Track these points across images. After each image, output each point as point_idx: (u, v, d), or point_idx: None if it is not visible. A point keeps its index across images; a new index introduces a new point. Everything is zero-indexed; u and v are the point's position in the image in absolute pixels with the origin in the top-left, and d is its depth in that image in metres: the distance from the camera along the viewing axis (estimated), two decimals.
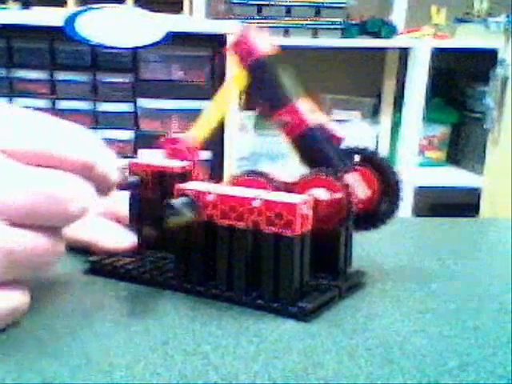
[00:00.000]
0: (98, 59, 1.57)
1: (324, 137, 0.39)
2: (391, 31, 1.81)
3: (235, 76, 0.40)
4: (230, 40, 0.39)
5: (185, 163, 0.41)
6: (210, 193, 0.35)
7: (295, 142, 0.39)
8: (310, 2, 1.76)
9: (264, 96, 0.40)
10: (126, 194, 0.41)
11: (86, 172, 0.30)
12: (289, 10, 1.77)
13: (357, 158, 0.41)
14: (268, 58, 0.39)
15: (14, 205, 0.28)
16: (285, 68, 0.39)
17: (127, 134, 1.61)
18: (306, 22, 1.77)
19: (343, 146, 0.42)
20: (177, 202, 0.35)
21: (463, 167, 2.02)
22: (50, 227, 0.29)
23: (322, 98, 1.99)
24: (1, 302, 0.29)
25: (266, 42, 0.39)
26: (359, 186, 0.39)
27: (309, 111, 0.39)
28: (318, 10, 1.77)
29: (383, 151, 1.94)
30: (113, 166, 0.33)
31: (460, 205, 1.92)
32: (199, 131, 0.41)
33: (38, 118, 0.30)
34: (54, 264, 0.31)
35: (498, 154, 1.78)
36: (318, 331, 0.32)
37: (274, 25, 1.77)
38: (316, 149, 0.39)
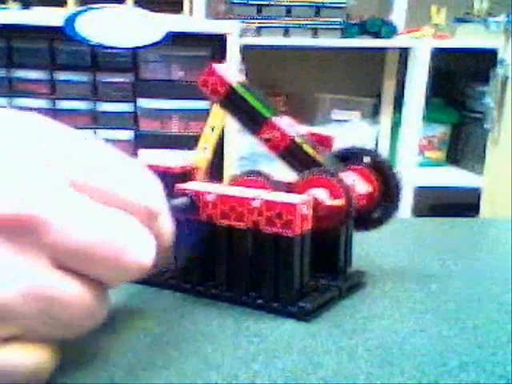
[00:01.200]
0: (98, 59, 1.57)
1: (310, 145, 0.40)
2: (391, 31, 1.81)
3: (214, 114, 0.42)
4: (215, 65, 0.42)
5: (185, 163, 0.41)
6: (209, 193, 0.35)
7: (283, 155, 0.40)
8: (309, 1, 1.76)
9: (242, 120, 0.41)
10: None
11: (148, 222, 0.25)
12: (289, 10, 1.77)
13: (365, 159, 0.41)
14: (238, 85, 0.41)
15: (66, 241, 0.22)
16: (256, 90, 0.41)
17: (127, 134, 1.61)
18: (306, 22, 1.77)
19: (345, 146, 0.42)
20: (176, 202, 0.35)
21: (463, 167, 2.02)
22: (97, 281, 0.24)
23: (321, 98, 1.99)
24: (21, 358, 0.23)
25: (233, 72, 0.41)
26: (358, 183, 0.39)
27: (288, 125, 0.40)
28: (317, 10, 1.77)
29: (383, 151, 1.94)
30: (170, 222, 0.28)
31: (460, 205, 1.92)
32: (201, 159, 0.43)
33: (107, 153, 0.25)
34: (89, 328, 0.25)
35: (497, 154, 1.77)
36: (318, 331, 0.32)
37: (274, 25, 1.77)
38: (305, 158, 0.39)
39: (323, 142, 0.42)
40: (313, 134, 0.41)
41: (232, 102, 0.41)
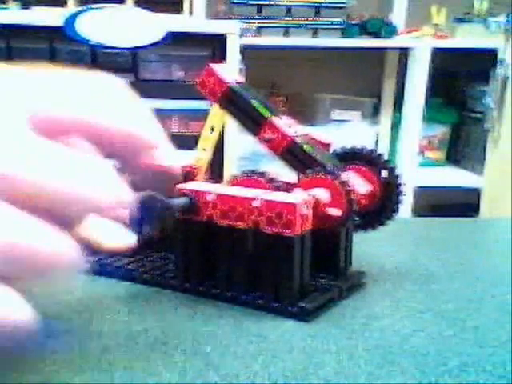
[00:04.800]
0: (98, 59, 1.56)
1: (310, 145, 0.40)
2: (391, 31, 1.80)
3: (214, 114, 0.42)
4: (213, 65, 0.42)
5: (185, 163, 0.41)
6: (209, 193, 0.35)
7: (283, 156, 0.40)
8: (309, 1, 1.76)
9: (242, 120, 0.41)
10: None
11: (130, 147, 0.24)
12: (289, 10, 1.77)
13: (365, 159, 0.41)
14: (236, 86, 0.41)
15: (21, 179, 0.21)
16: (254, 91, 0.41)
17: None
18: (306, 22, 1.77)
19: (345, 146, 0.42)
20: (175, 201, 0.35)
21: (463, 167, 2.02)
22: (60, 220, 0.23)
23: (321, 98, 1.99)
24: None
25: (231, 72, 0.41)
26: (358, 183, 0.39)
27: (288, 125, 0.40)
28: (317, 10, 1.77)
29: (383, 151, 1.94)
30: (167, 145, 0.26)
31: (460, 205, 1.92)
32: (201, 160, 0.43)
33: (69, 77, 0.24)
34: (64, 270, 0.23)
35: (497, 154, 1.78)
36: (318, 331, 0.32)
37: (274, 25, 1.77)
38: (305, 158, 0.39)
39: (321, 147, 0.42)
40: (311, 139, 0.41)
41: (231, 102, 0.40)
